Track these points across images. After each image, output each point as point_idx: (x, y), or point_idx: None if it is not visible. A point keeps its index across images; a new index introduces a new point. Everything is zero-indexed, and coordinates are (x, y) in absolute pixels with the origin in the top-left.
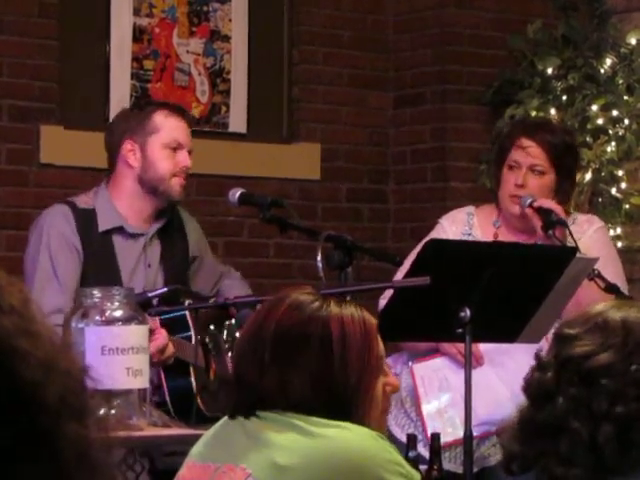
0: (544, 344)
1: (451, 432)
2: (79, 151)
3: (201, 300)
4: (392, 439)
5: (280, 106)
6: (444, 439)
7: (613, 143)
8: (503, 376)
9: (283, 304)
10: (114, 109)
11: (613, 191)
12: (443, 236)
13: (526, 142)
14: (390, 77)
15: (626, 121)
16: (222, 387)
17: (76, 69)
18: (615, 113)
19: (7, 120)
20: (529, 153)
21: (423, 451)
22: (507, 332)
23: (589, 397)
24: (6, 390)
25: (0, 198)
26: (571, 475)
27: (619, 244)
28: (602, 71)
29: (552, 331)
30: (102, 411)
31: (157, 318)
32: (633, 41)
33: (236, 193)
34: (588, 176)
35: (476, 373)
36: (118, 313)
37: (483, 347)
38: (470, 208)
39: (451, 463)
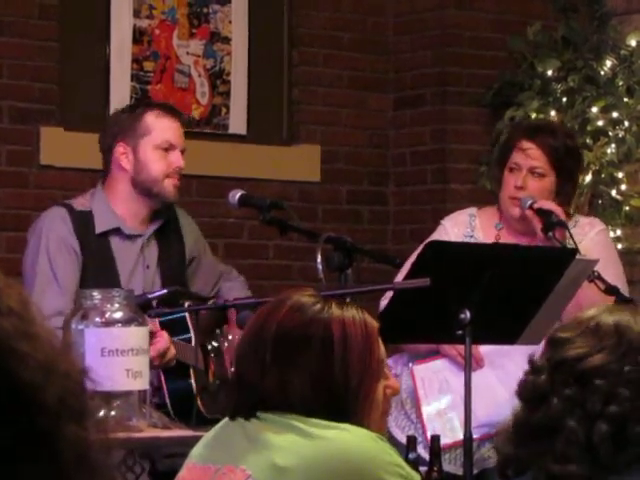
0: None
1: (451, 434)
2: (79, 153)
3: (200, 301)
4: (392, 441)
5: (280, 108)
6: (444, 441)
7: (613, 145)
8: (503, 378)
9: (285, 306)
10: (114, 111)
11: (613, 193)
12: (445, 238)
13: (526, 144)
14: (390, 79)
15: (626, 123)
16: (222, 388)
17: (76, 71)
18: (615, 115)
19: (7, 121)
20: (529, 155)
21: (423, 453)
22: (507, 334)
23: (583, 397)
24: (5, 392)
25: (0, 199)
26: (568, 472)
27: (619, 246)
28: (602, 73)
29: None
30: (102, 412)
31: (157, 320)
32: (633, 43)
33: (236, 195)
34: (588, 178)
35: (476, 375)
36: (118, 315)
37: (483, 349)
38: (472, 210)
39: (451, 465)
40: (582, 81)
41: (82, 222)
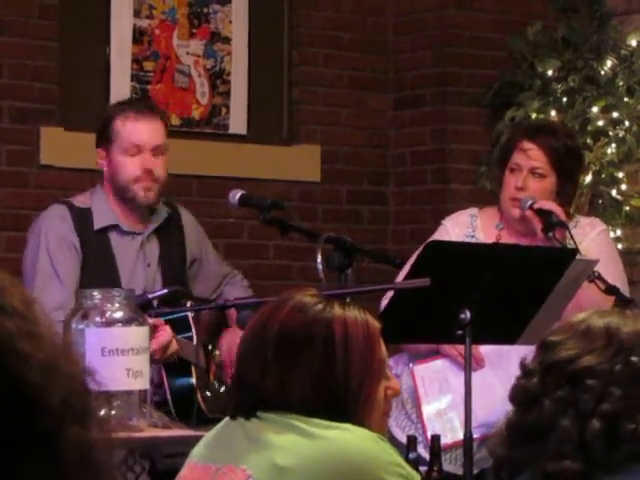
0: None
1: (451, 434)
2: (79, 153)
3: (201, 302)
4: (393, 440)
5: (280, 108)
6: (444, 441)
7: (613, 145)
8: (503, 378)
9: (287, 305)
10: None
11: (613, 193)
12: (446, 238)
13: (527, 145)
14: (390, 79)
15: (626, 123)
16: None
17: (76, 70)
18: (615, 115)
19: (7, 121)
20: (530, 156)
21: (423, 452)
22: (507, 334)
23: (575, 397)
24: (8, 392)
25: (0, 199)
26: (562, 468)
27: (619, 246)
28: (602, 73)
29: None
30: (102, 412)
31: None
32: (633, 43)
33: (236, 195)
34: (588, 178)
35: (476, 375)
36: (118, 314)
37: (483, 349)
38: (473, 210)
39: (451, 465)
40: (582, 81)
41: (82, 219)
